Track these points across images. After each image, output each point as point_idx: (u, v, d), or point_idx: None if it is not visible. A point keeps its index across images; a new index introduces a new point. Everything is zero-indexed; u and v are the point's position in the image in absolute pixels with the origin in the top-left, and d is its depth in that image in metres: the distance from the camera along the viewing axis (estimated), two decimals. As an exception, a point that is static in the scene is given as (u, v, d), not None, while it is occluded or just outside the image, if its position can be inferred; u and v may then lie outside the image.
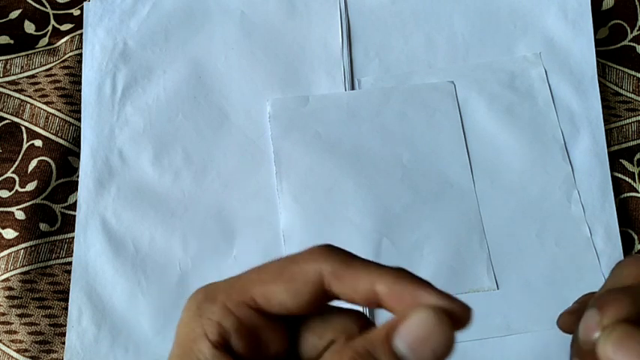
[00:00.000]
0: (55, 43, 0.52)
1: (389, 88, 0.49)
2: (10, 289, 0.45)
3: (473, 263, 0.45)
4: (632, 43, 0.51)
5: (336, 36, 0.51)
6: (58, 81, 0.50)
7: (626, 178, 0.48)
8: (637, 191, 0.47)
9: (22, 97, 0.50)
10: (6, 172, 0.48)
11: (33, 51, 0.51)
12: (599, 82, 0.49)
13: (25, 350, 0.44)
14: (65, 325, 0.44)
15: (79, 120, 0.49)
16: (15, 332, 0.44)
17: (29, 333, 0.44)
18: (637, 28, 0.52)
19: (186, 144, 0.48)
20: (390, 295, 0.20)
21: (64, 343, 0.44)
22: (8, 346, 0.44)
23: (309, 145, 0.48)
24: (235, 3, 0.52)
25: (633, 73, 0.50)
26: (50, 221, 0.47)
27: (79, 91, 0.50)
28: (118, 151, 0.48)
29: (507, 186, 0.47)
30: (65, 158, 0.48)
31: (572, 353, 0.27)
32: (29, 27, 0.53)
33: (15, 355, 0.44)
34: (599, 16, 0.52)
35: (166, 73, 0.50)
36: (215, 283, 0.21)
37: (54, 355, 0.44)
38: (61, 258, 0.46)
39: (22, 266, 0.45)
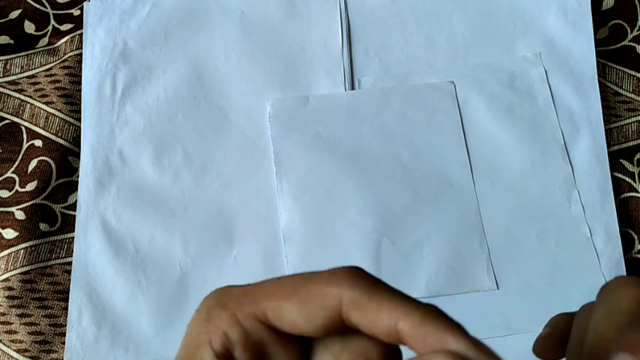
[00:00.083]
0: (55, 43, 0.52)
1: (389, 88, 0.49)
2: (10, 289, 0.45)
3: (473, 263, 0.45)
4: (632, 43, 0.51)
5: (336, 36, 0.51)
6: (58, 81, 0.50)
7: (626, 178, 0.48)
8: (637, 191, 0.47)
9: (22, 97, 0.50)
10: (6, 172, 0.48)
11: (33, 51, 0.51)
12: (599, 82, 0.49)
13: (25, 350, 0.44)
14: (65, 325, 0.44)
15: (79, 120, 0.49)
16: (15, 332, 0.44)
17: (29, 333, 0.44)
18: (637, 28, 0.52)
19: (186, 144, 0.48)
20: (414, 335, 0.18)
21: (64, 343, 0.44)
22: (8, 346, 0.44)
23: (309, 145, 0.48)
24: (235, 3, 0.52)
25: (633, 73, 0.50)
26: (50, 221, 0.47)
27: (79, 91, 0.50)
28: (118, 151, 0.48)
29: (507, 186, 0.47)
30: (65, 158, 0.48)
31: None
32: (29, 27, 0.53)
33: (15, 355, 0.44)
34: (599, 16, 0.52)
35: (166, 73, 0.50)
36: (230, 287, 0.20)
37: (54, 355, 0.44)
38: (61, 258, 0.46)
39: (22, 266, 0.45)
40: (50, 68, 0.51)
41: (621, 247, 0.45)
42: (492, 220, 0.46)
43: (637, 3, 0.52)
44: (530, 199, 0.47)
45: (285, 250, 0.45)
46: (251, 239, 0.46)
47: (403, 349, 0.19)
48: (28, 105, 0.50)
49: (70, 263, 0.46)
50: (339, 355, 0.20)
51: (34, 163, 0.48)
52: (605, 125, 0.48)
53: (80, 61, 0.50)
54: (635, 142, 0.49)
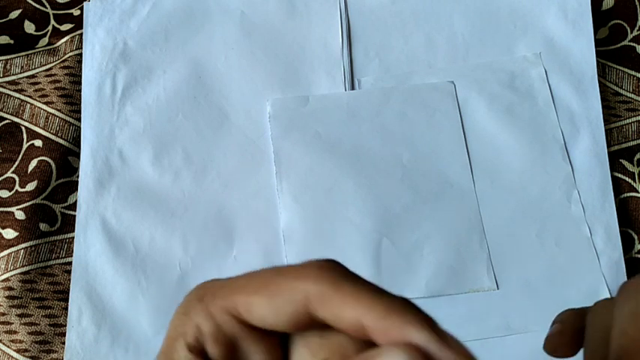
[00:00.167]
0: (55, 43, 0.52)
1: (389, 88, 0.49)
2: (10, 289, 0.45)
3: (473, 263, 0.45)
4: (632, 43, 0.51)
5: (336, 36, 0.51)
6: (58, 81, 0.50)
7: (626, 178, 0.48)
8: (637, 191, 0.47)
9: (22, 97, 0.50)
10: (6, 172, 0.48)
11: (33, 51, 0.51)
12: (599, 82, 0.49)
13: (25, 350, 0.44)
14: (65, 325, 0.44)
15: (79, 120, 0.49)
16: (15, 332, 0.44)
17: (29, 333, 0.44)
18: (637, 28, 0.52)
19: (186, 144, 0.48)
20: (377, 329, 0.17)
21: (64, 343, 0.44)
22: (8, 346, 0.44)
23: (309, 145, 0.48)
24: (235, 3, 0.52)
25: (633, 73, 0.50)
26: (50, 221, 0.47)
27: (79, 91, 0.50)
28: (118, 151, 0.48)
29: (507, 186, 0.47)
30: (65, 158, 0.48)
31: None
32: (29, 27, 0.53)
33: (15, 355, 0.44)
34: (599, 16, 0.52)
35: (166, 73, 0.50)
36: (211, 281, 0.20)
37: (54, 355, 0.44)
38: (61, 258, 0.46)
39: (22, 266, 0.45)
40: (50, 68, 0.51)
41: (621, 247, 0.45)
42: (492, 220, 0.46)
43: (637, 3, 0.52)
44: (530, 199, 0.47)
45: (285, 250, 0.45)
46: (251, 239, 0.46)
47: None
48: (28, 105, 0.50)
49: (70, 263, 0.46)
50: (316, 351, 0.19)
51: (34, 163, 0.48)
52: (605, 125, 0.48)
53: (80, 61, 0.50)
54: (635, 142, 0.49)
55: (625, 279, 0.45)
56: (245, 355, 0.19)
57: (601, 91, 0.49)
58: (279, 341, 0.20)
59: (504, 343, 0.44)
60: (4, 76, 0.51)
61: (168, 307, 0.44)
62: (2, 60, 0.51)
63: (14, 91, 0.50)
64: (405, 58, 0.50)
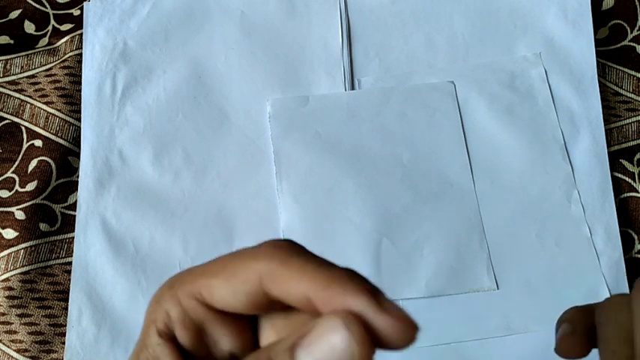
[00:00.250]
0: (55, 43, 0.52)
1: (389, 88, 0.49)
2: (10, 289, 0.45)
3: (473, 263, 0.45)
4: (632, 43, 0.51)
5: (336, 36, 0.51)
6: (58, 81, 0.50)
7: (626, 178, 0.48)
8: (637, 191, 0.47)
9: (22, 97, 0.50)
10: (6, 172, 0.48)
11: (33, 51, 0.51)
12: (599, 82, 0.49)
13: (25, 350, 0.44)
14: (65, 325, 0.44)
15: (79, 120, 0.49)
16: (15, 332, 0.44)
17: (29, 333, 0.44)
18: (637, 28, 0.52)
19: (186, 144, 0.48)
20: (321, 300, 0.17)
21: (64, 343, 0.44)
22: (8, 346, 0.44)
23: (309, 145, 0.48)
24: (235, 3, 0.52)
25: (633, 73, 0.50)
26: (50, 221, 0.47)
27: (79, 91, 0.50)
28: (118, 151, 0.48)
29: (507, 186, 0.47)
30: (65, 158, 0.48)
31: None
32: (29, 27, 0.53)
33: (15, 355, 0.44)
34: (599, 16, 0.52)
35: (166, 73, 0.50)
36: (184, 270, 0.21)
37: (54, 355, 0.44)
38: (61, 258, 0.46)
39: (22, 266, 0.45)
40: (50, 68, 0.51)
41: (621, 247, 0.45)
42: (492, 220, 0.46)
43: (637, 3, 0.52)
44: (530, 199, 0.47)
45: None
46: (251, 239, 0.45)
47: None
48: (28, 105, 0.50)
49: (70, 263, 0.46)
50: (281, 331, 0.20)
51: (34, 163, 0.48)
52: (605, 125, 0.48)
53: (80, 61, 0.50)
54: (635, 142, 0.49)
55: (625, 279, 0.45)
56: (213, 339, 0.20)
57: (601, 91, 0.49)
58: (247, 324, 0.20)
59: (504, 343, 0.44)
60: (4, 76, 0.51)
61: (168, 307, 0.44)
62: (2, 60, 0.51)
63: (14, 91, 0.50)
64: (405, 58, 0.50)
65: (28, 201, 0.47)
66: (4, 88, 0.50)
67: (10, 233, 0.46)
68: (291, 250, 0.19)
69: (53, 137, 0.49)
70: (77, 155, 0.48)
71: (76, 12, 0.53)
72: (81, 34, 0.51)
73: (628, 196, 0.47)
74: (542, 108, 0.49)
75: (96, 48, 0.51)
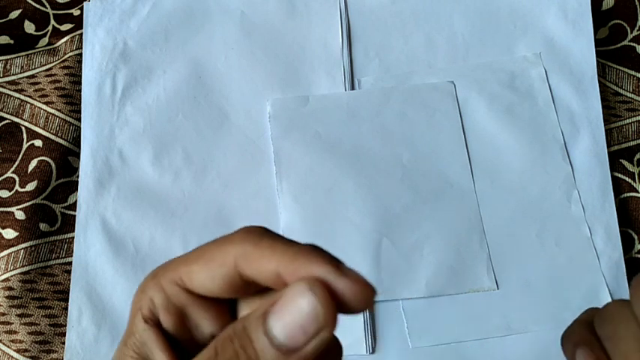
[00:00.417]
0: (55, 43, 0.52)
1: (389, 88, 0.49)
2: (10, 289, 0.45)
3: (473, 263, 0.45)
4: (632, 43, 0.51)
5: (336, 36, 0.51)
6: (58, 81, 0.50)
7: (626, 178, 0.48)
8: (637, 191, 0.47)
9: (22, 97, 0.50)
10: (6, 172, 0.48)
11: (33, 51, 0.51)
12: (599, 82, 0.49)
13: (25, 350, 0.44)
14: (65, 325, 0.44)
15: (79, 120, 0.49)
16: (15, 332, 0.44)
17: (29, 333, 0.44)
18: (637, 28, 0.52)
19: (186, 144, 0.48)
20: (288, 272, 0.19)
21: (64, 343, 0.44)
22: (8, 346, 0.44)
23: (309, 145, 0.48)
24: (235, 3, 0.52)
25: (633, 73, 0.50)
26: (50, 221, 0.47)
27: (79, 91, 0.50)
28: (118, 151, 0.48)
29: (507, 186, 0.47)
30: (65, 158, 0.48)
31: None
32: (29, 27, 0.53)
33: (15, 355, 0.44)
34: (599, 16, 0.52)
35: (166, 73, 0.50)
36: (166, 261, 0.22)
37: (54, 355, 0.44)
38: (61, 258, 0.46)
39: (22, 266, 0.45)
40: (50, 68, 0.51)
41: (621, 247, 0.45)
42: (492, 220, 0.46)
43: (637, 3, 0.52)
44: (530, 199, 0.47)
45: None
46: (251, 239, 0.46)
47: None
48: (28, 105, 0.50)
49: (70, 263, 0.46)
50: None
51: (34, 163, 0.48)
52: (605, 125, 0.48)
53: (80, 61, 0.50)
54: (635, 142, 0.49)
55: (625, 279, 0.45)
56: (195, 323, 0.21)
57: (601, 91, 0.49)
58: (227, 309, 0.22)
59: (504, 343, 0.44)
60: (4, 76, 0.51)
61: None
62: (2, 60, 0.51)
63: (14, 91, 0.50)
64: (405, 58, 0.50)
65: (28, 201, 0.47)
66: (4, 88, 0.50)
67: (10, 233, 0.46)
68: (262, 233, 0.20)
69: (53, 137, 0.49)
70: (77, 155, 0.48)
71: (76, 12, 0.53)
72: (81, 34, 0.51)
73: (628, 196, 0.47)
74: (542, 108, 0.49)
75: (96, 48, 0.51)
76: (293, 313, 0.18)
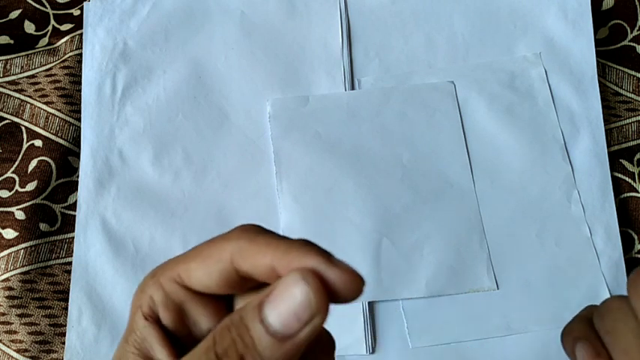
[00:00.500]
0: (55, 43, 0.52)
1: (389, 88, 0.49)
2: (10, 289, 0.45)
3: (473, 263, 0.45)
4: (632, 43, 0.51)
5: (336, 36, 0.51)
6: (58, 81, 0.50)
7: (626, 178, 0.48)
8: (637, 191, 0.47)
9: (22, 97, 0.50)
10: (6, 172, 0.48)
11: (33, 51, 0.51)
12: (599, 82, 0.49)
13: (25, 350, 0.44)
14: (65, 325, 0.44)
15: (79, 120, 0.49)
16: (15, 332, 0.44)
17: (29, 333, 0.44)
18: (637, 28, 0.52)
19: (186, 144, 0.48)
20: (282, 265, 0.20)
21: (64, 343, 0.44)
22: (8, 346, 0.44)
23: (309, 145, 0.48)
24: (235, 3, 0.52)
25: (633, 73, 0.50)
26: (50, 221, 0.47)
27: (79, 91, 0.50)
28: (118, 151, 0.48)
29: (507, 186, 0.47)
30: (65, 158, 0.48)
31: None
32: (29, 27, 0.53)
33: (15, 355, 0.44)
34: (599, 16, 0.52)
35: (166, 73, 0.50)
36: (165, 261, 0.23)
37: (54, 355, 0.44)
38: (61, 258, 0.46)
39: (22, 266, 0.45)
40: (50, 68, 0.51)
41: (621, 247, 0.45)
42: (492, 220, 0.46)
43: (637, 3, 0.52)
44: (530, 199, 0.47)
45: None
46: (251, 239, 0.46)
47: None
48: (28, 105, 0.50)
49: (70, 263, 0.46)
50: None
51: (34, 163, 0.48)
52: (605, 125, 0.48)
53: (80, 61, 0.50)
54: (635, 142, 0.49)
55: (625, 279, 0.45)
56: (193, 319, 0.22)
57: (601, 91, 0.49)
58: (223, 306, 0.23)
59: (504, 343, 0.44)
60: (4, 76, 0.51)
61: (168, 307, 0.44)
62: (2, 60, 0.51)
63: (14, 91, 0.50)
64: (405, 58, 0.50)
65: (28, 201, 0.47)
66: (4, 88, 0.50)
67: (10, 233, 0.46)
68: (257, 230, 0.21)
69: (53, 137, 0.49)
70: (77, 155, 0.48)
71: (76, 12, 0.53)
72: (81, 34, 0.51)
73: (628, 196, 0.47)
74: (542, 108, 0.49)
75: (96, 48, 0.51)
76: (287, 302, 0.19)
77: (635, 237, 0.47)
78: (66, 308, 0.45)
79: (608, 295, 0.45)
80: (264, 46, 0.51)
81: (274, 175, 0.47)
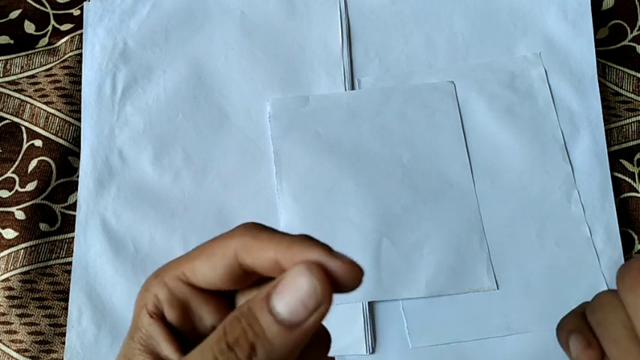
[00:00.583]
0: (55, 43, 0.52)
1: (389, 88, 0.49)
2: (10, 289, 0.45)
3: (473, 263, 0.45)
4: (632, 43, 0.51)
5: (336, 36, 0.51)
6: (58, 81, 0.50)
7: (626, 178, 0.48)
8: (637, 191, 0.47)
9: (22, 97, 0.50)
10: (6, 172, 0.48)
11: (33, 51, 0.51)
12: (599, 82, 0.49)
13: (25, 350, 0.44)
14: (65, 325, 0.44)
15: (79, 120, 0.49)
16: (15, 332, 0.44)
17: (29, 333, 0.44)
18: (637, 28, 0.52)
19: (186, 144, 0.48)
20: (286, 259, 0.21)
21: (64, 343, 0.44)
22: (8, 346, 0.44)
23: (309, 145, 0.48)
24: (235, 3, 0.52)
25: (633, 73, 0.50)
26: (50, 221, 0.47)
27: (79, 91, 0.50)
28: (118, 151, 0.48)
29: (507, 186, 0.47)
30: (65, 158, 0.48)
31: None
32: (29, 27, 0.53)
33: (15, 355, 0.44)
34: (599, 16, 0.52)
35: (166, 73, 0.50)
36: (166, 263, 0.24)
37: (54, 355, 0.44)
38: (61, 258, 0.46)
39: (22, 266, 0.45)
40: (50, 68, 0.51)
41: (621, 247, 0.46)
42: (492, 220, 0.46)
43: (637, 3, 0.52)
44: (530, 199, 0.47)
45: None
46: (251, 239, 0.46)
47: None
48: (28, 105, 0.50)
49: (70, 263, 0.46)
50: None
51: (34, 163, 0.48)
52: (605, 125, 0.48)
53: (80, 61, 0.50)
54: (635, 142, 0.49)
55: (625, 279, 0.45)
56: (198, 316, 0.23)
57: (601, 91, 0.49)
58: (227, 303, 0.23)
59: (504, 343, 0.44)
60: (4, 76, 0.51)
61: (168, 307, 0.44)
62: (2, 60, 0.51)
63: (14, 91, 0.50)
64: (405, 58, 0.50)
65: (28, 201, 0.47)
66: (4, 88, 0.50)
67: (10, 233, 0.46)
68: (260, 228, 0.22)
69: (53, 137, 0.49)
70: (77, 155, 0.48)
71: (76, 12, 0.53)
72: (81, 34, 0.51)
73: (628, 196, 0.47)
74: (542, 108, 0.49)
75: (96, 48, 0.51)
76: (294, 292, 0.20)
77: (635, 237, 0.47)
78: (66, 308, 0.45)
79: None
80: (264, 46, 0.51)
81: (274, 175, 0.47)
